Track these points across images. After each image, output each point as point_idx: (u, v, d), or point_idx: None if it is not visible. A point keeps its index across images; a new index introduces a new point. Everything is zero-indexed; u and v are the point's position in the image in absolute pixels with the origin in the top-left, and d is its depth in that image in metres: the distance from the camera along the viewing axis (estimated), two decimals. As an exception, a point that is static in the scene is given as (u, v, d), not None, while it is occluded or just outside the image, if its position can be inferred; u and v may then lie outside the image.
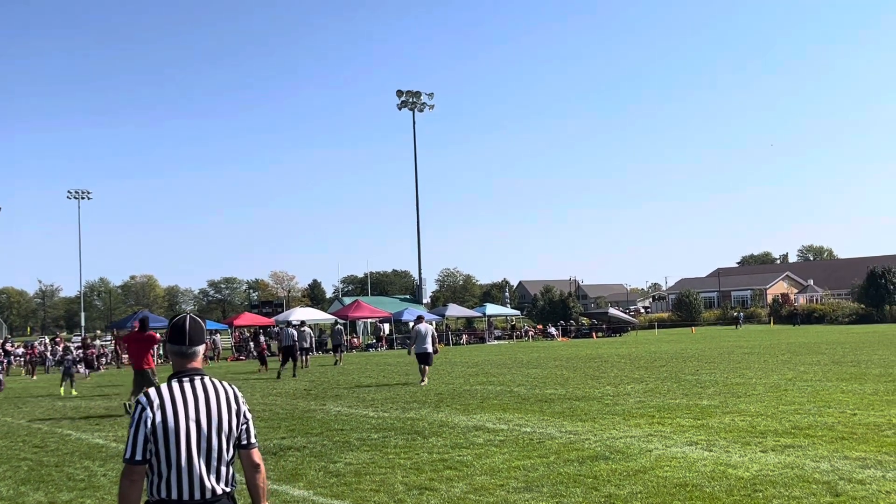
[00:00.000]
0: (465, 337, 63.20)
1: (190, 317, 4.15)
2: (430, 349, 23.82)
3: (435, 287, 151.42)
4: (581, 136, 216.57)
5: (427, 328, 24.53)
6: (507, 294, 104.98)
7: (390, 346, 57.12)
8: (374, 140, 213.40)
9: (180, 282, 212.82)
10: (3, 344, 43.27)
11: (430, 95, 73.46)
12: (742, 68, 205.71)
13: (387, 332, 61.86)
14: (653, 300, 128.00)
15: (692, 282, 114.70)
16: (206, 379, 4.05)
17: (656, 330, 75.78)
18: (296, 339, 29.82)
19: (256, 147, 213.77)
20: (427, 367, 23.77)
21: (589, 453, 10.83)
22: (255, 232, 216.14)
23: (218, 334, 51.70)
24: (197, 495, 3.87)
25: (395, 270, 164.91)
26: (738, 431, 12.24)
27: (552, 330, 67.75)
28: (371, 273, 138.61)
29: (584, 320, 78.15)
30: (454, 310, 68.99)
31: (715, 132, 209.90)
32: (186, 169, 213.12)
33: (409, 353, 26.09)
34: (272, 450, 12.24)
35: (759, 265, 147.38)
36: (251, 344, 49.12)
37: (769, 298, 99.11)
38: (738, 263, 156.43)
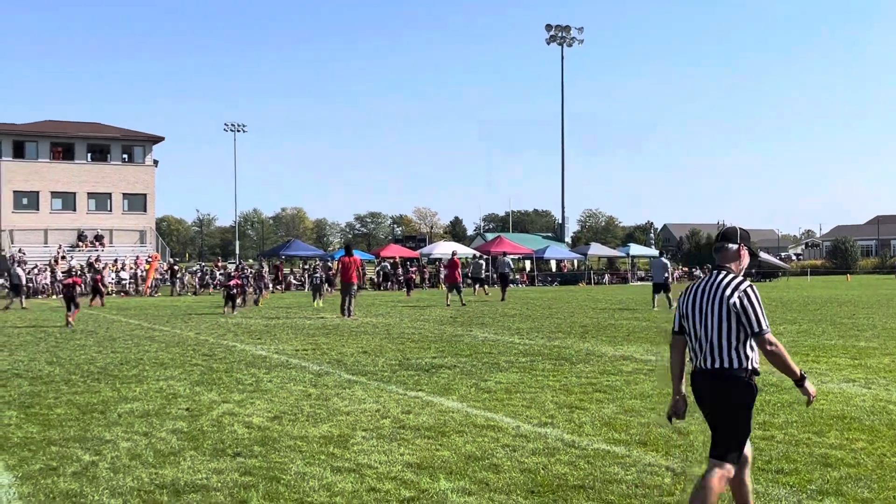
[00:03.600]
0: (607, 277, 62.69)
1: (728, 226, 5.29)
2: (667, 277, 27.79)
3: (577, 228, 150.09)
4: (732, 75, 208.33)
5: (665, 262, 28.58)
6: (651, 236, 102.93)
7: (531, 283, 57.43)
8: (521, 76, 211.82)
9: (328, 215, 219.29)
10: (172, 266, 46.06)
11: (580, 30, 71.97)
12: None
13: (528, 268, 62.21)
14: (805, 247, 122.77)
15: (849, 229, 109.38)
16: (724, 274, 5.02)
17: (809, 277, 73.01)
18: (485, 270, 34.33)
19: (404, 82, 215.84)
20: (665, 296, 26.88)
21: (741, 385, 10.72)
22: (401, 168, 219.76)
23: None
24: (707, 365, 4.88)
25: (536, 210, 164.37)
26: (900, 372, 11.84)
27: (698, 272, 66.21)
28: (512, 212, 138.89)
29: (732, 264, 75.93)
30: (597, 249, 68.52)
31: (881, 71, 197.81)
32: (338, 104, 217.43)
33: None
34: (424, 367, 12.71)
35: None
36: (396, 272, 50.33)
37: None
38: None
